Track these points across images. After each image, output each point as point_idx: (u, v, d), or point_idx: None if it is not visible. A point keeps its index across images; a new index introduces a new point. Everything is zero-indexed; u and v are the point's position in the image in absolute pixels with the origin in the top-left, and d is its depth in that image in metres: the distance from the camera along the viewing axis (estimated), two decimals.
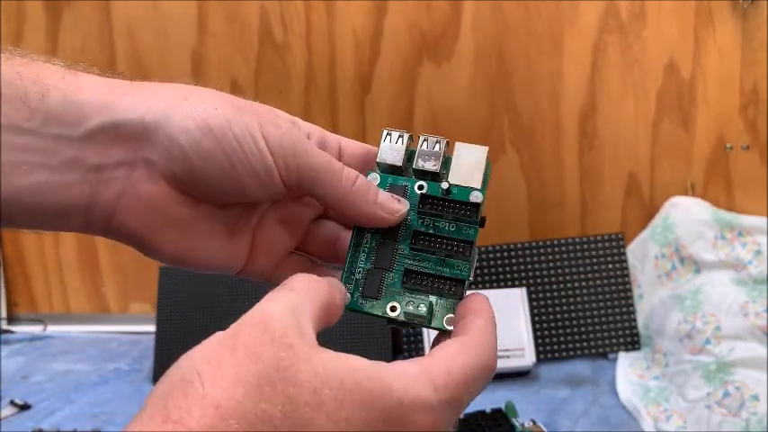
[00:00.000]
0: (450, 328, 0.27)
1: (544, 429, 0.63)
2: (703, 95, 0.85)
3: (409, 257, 0.28)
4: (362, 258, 0.28)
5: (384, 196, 0.28)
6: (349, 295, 0.28)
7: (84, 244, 0.98)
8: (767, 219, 0.79)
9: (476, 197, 0.28)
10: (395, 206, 0.28)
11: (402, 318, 0.28)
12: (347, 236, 0.30)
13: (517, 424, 0.63)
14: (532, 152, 0.89)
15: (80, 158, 0.25)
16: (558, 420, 0.68)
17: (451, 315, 0.27)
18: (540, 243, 0.86)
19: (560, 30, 0.86)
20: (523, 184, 0.90)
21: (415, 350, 0.83)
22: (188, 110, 0.26)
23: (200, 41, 0.89)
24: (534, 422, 0.64)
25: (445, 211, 0.28)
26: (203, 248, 0.28)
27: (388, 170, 0.29)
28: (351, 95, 0.89)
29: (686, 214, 0.83)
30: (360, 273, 0.28)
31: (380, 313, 0.28)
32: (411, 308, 0.27)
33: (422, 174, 0.29)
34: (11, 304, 1.04)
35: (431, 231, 0.28)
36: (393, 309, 0.28)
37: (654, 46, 0.85)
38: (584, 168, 0.89)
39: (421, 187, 0.29)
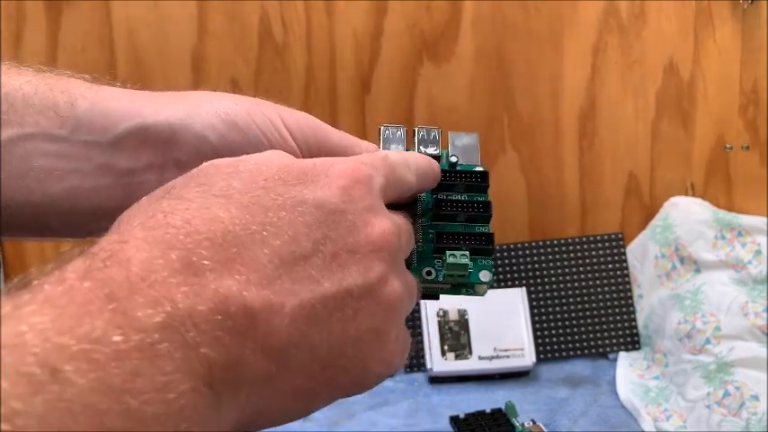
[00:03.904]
0: (487, 280, 0.29)
1: (544, 429, 0.63)
2: (703, 95, 0.85)
3: (433, 227, 0.30)
4: None
5: None
6: None
7: (85, 244, 0.98)
8: (767, 219, 0.79)
9: (479, 169, 0.31)
10: None
11: (440, 278, 0.29)
12: None
13: (517, 424, 0.63)
14: (532, 152, 0.89)
15: (111, 164, 0.26)
16: (558, 420, 0.69)
17: (486, 271, 0.29)
18: (540, 243, 0.86)
19: (560, 30, 0.86)
20: (523, 184, 0.90)
21: (415, 351, 0.83)
22: (210, 108, 0.27)
23: (201, 42, 0.89)
24: (534, 422, 0.64)
25: (457, 181, 0.30)
26: None
27: None
28: (351, 96, 0.89)
29: (686, 214, 0.84)
30: None
31: (418, 279, 0.29)
32: (452, 259, 0.28)
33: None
34: None
35: (447, 198, 0.30)
36: (428, 273, 0.29)
37: (654, 46, 0.85)
38: (583, 168, 0.89)
39: None
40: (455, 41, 0.87)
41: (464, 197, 0.30)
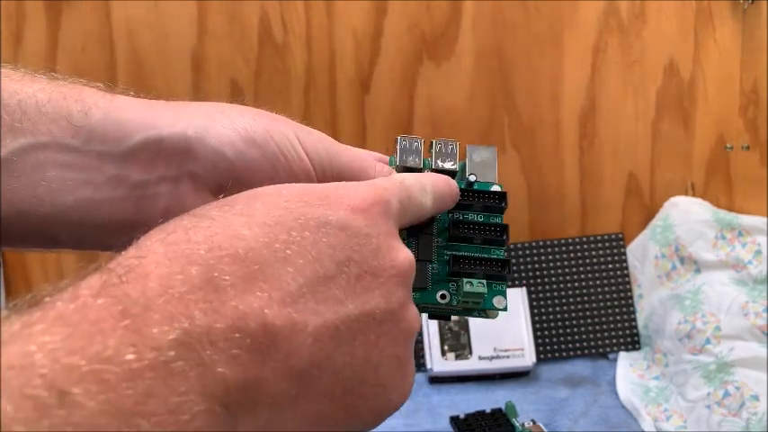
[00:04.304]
0: (501, 307, 0.28)
1: (544, 429, 0.63)
2: (703, 95, 0.85)
3: (448, 248, 0.29)
4: None
5: None
6: None
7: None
8: (767, 219, 0.79)
9: (497, 188, 0.30)
10: None
11: (454, 303, 0.28)
12: None
13: (517, 424, 0.63)
14: (532, 152, 0.89)
15: (123, 175, 0.25)
16: (558, 420, 0.68)
17: (501, 297, 0.28)
18: (540, 243, 0.86)
19: (560, 30, 0.86)
20: (523, 184, 0.90)
21: (415, 351, 0.83)
22: (228, 123, 0.26)
23: (200, 42, 0.89)
24: (534, 422, 0.64)
25: (475, 201, 0.29)
26: None
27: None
28: (351, 95, 0.89)
29: (686, 214, 0.84)
30: None
31: (432, 302, 0.28)
32: (469, 288, 0.28)
33: (440, 174, 0.31)
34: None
35: (464, 219, 0.29)
36: (443, 297, 0.28)
37: (654, 46, 0.85)
38: (584, 168, 0.89)
39: None
40: (455, 41, 0.87)
41: (481, 218, 0.29)
